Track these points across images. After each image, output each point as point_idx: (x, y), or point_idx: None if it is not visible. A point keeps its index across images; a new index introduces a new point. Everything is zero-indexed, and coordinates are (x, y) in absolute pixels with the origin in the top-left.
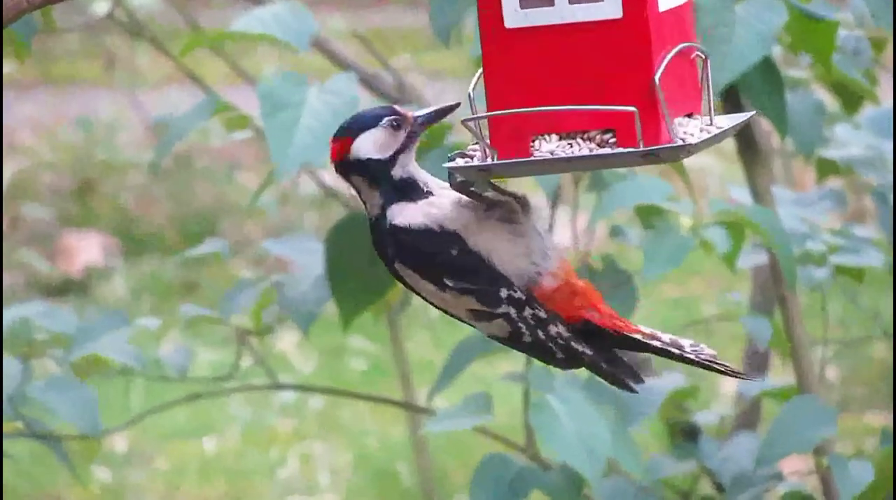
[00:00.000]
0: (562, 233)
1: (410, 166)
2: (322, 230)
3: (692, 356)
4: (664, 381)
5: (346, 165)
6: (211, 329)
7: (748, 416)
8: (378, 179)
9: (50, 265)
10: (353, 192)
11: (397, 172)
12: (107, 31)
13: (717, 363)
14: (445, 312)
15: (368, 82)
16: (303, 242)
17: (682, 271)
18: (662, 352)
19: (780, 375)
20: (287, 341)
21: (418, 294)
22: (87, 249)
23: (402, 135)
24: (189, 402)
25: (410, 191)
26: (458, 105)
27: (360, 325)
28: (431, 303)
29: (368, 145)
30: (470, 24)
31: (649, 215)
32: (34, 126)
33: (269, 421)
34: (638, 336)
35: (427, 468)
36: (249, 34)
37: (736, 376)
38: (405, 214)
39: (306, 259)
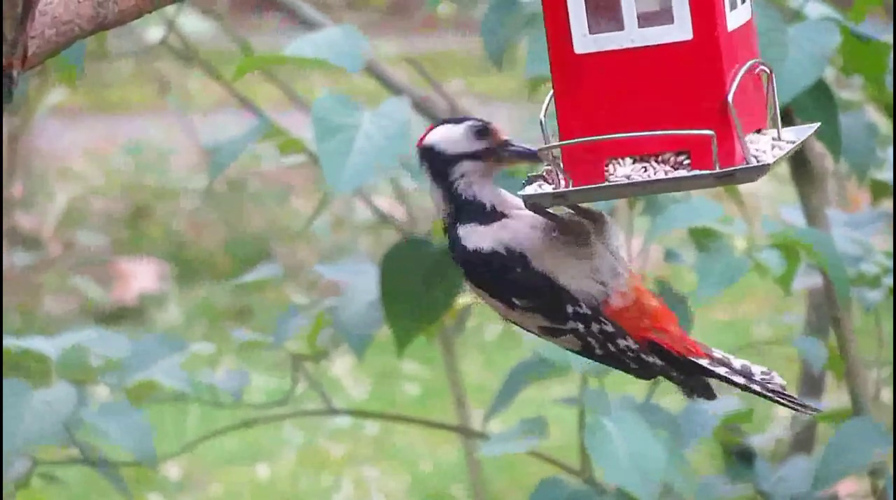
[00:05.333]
0: None
1: (477, 176)
2: (376, 255)
3: (757, 388)
4: (719, 403)
5: (420, 152)
6: (264, 354)
7: (803, 439)
8: (439, 172)
9: (104, 292)
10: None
11: (457, 175)
12: (158, 56)
13: (784, 396)
14: (520, 326)
15: (420, 106)
16: (356, 266)
17: (733, 294)
18: (727, 381)
19: (834, 395)
20: (340, 365)
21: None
22: (141, 275)
23: (481, 144)
24: (243, 428)
25: (476, 206)
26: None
27: (412, 347)
28: (505, 318)
29: (443, 136)
30: (522, 47)
31: (703, 238)
32: (86, 152)
33: (323, 446)
34: (704, 361)
35: (481, 490)
36: (303, 58)
37: (803, 410)
38: (475, 238)
39: (359, 282)
